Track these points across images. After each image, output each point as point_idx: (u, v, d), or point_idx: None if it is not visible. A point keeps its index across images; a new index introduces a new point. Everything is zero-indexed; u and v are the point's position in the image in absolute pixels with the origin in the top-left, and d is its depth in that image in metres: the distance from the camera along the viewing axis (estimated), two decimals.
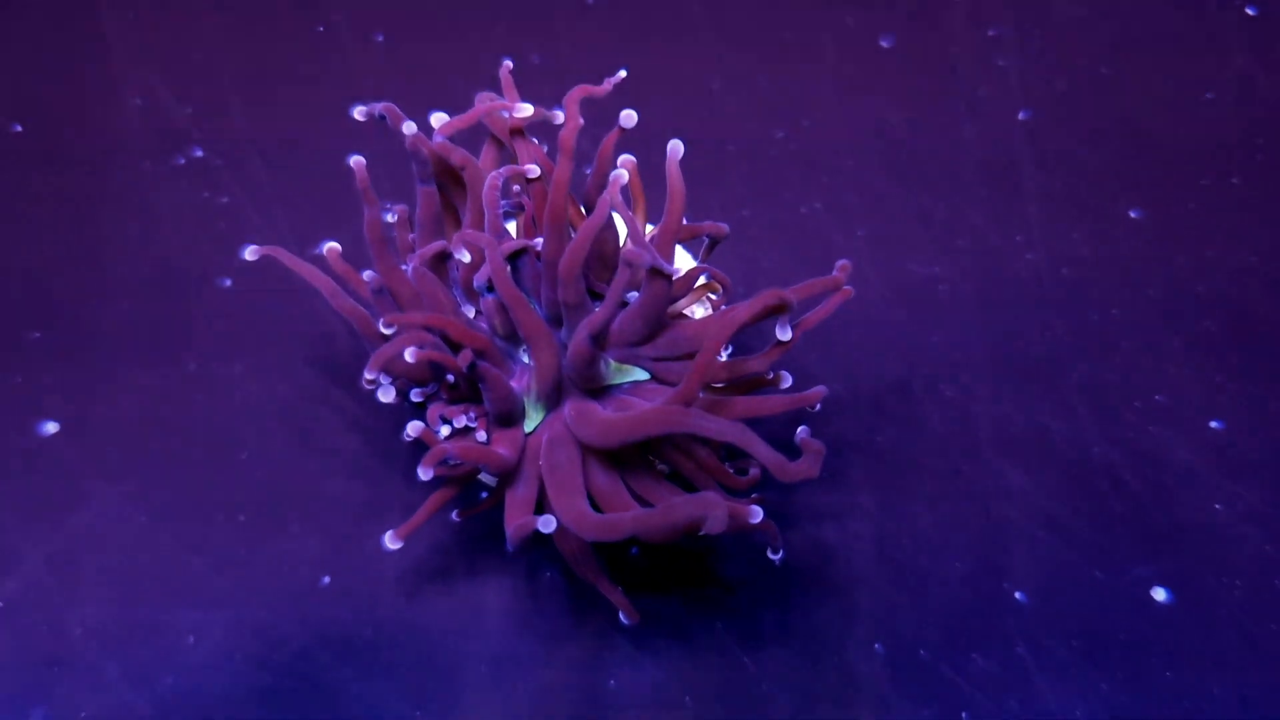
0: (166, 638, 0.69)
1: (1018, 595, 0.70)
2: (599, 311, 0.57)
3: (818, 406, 0.61)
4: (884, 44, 0.93)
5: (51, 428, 0.76)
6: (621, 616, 0.64)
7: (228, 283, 0.82)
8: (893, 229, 0.84)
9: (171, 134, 0.88)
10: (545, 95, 0.67)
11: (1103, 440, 0.76)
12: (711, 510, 0.54)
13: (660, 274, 0.58)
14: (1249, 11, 0.95)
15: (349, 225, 0.74)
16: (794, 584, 0.71)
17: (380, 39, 0.91)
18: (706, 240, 0.66)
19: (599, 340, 0.59)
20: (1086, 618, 0.70)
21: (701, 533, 0.55)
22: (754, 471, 0.63)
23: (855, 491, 0.74)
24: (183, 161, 0.87)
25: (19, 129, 0.88)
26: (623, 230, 0.66)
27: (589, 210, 0.65)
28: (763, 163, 0.87)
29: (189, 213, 0.85)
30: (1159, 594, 0.70)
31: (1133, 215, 0.85)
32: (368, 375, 0.57)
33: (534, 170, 0.62)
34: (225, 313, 0.81)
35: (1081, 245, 0.83)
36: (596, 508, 0.61)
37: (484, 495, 0.71)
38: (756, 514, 0.57)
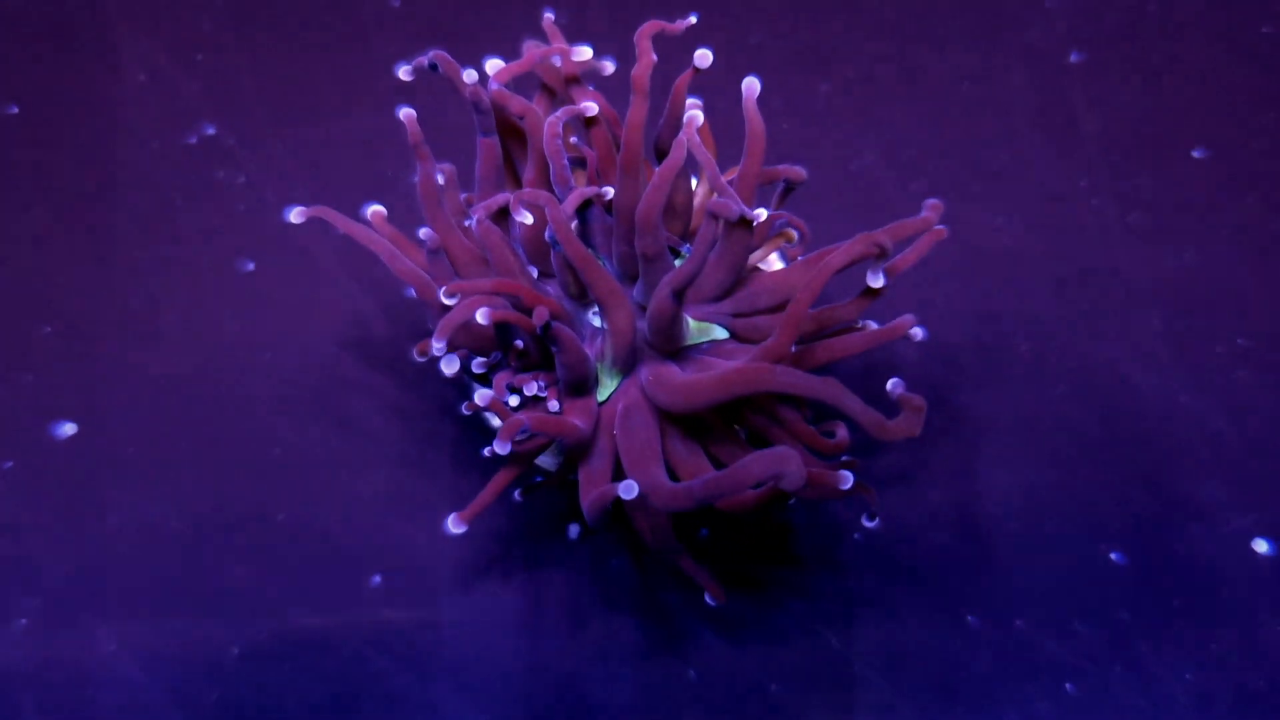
0: (208, 650, 0.65)
1: (1114, 556, 0.67)
2: (685, 265, 0.53)
3: (918, 334, 0.56)
4: None
5: (69, 429, 0.71)
6: (707, 597, 0.60)
7: (250, 266, 0.77)
8: (950, 180, 0.81)
9: (180, 111, 0.83)
10: None
11: (1188, 387, 0.73)
12: (786, 465, 0.49)
13: (744, 222, 0.54)
14: None
15: (380, 200, 0.69)
16: (873, 556, 0.68)
17: (396, 3, 0.86)
18: (782, 185, 0.62)
19: (681, 296, 0.54)
20: (1188, 575, 0.67)
21: (781, 490, 0.51)
22: (841, 433, 0.59)
23: (930, 453, 0.71)
24: (194, 140, 0.82)
25: (15, 110, 0.82)
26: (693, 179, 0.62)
27: (659, 156, 0.60)
28: (809, 116, 0.83)
29: (204, 194, 0.80)
30: (1261, 546, 0.68)
31: (1197, 155, 0.81)
32: (435, 345, 0.52)
33: (592, 108, 0.57)
34: (249, 298, 0.76)
35: (1147, 189, 0.80)
36: (676, 480, 0.57)
37: (538, 480, 0.67)
38: (846, 479, 0.54)
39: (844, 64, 0.85)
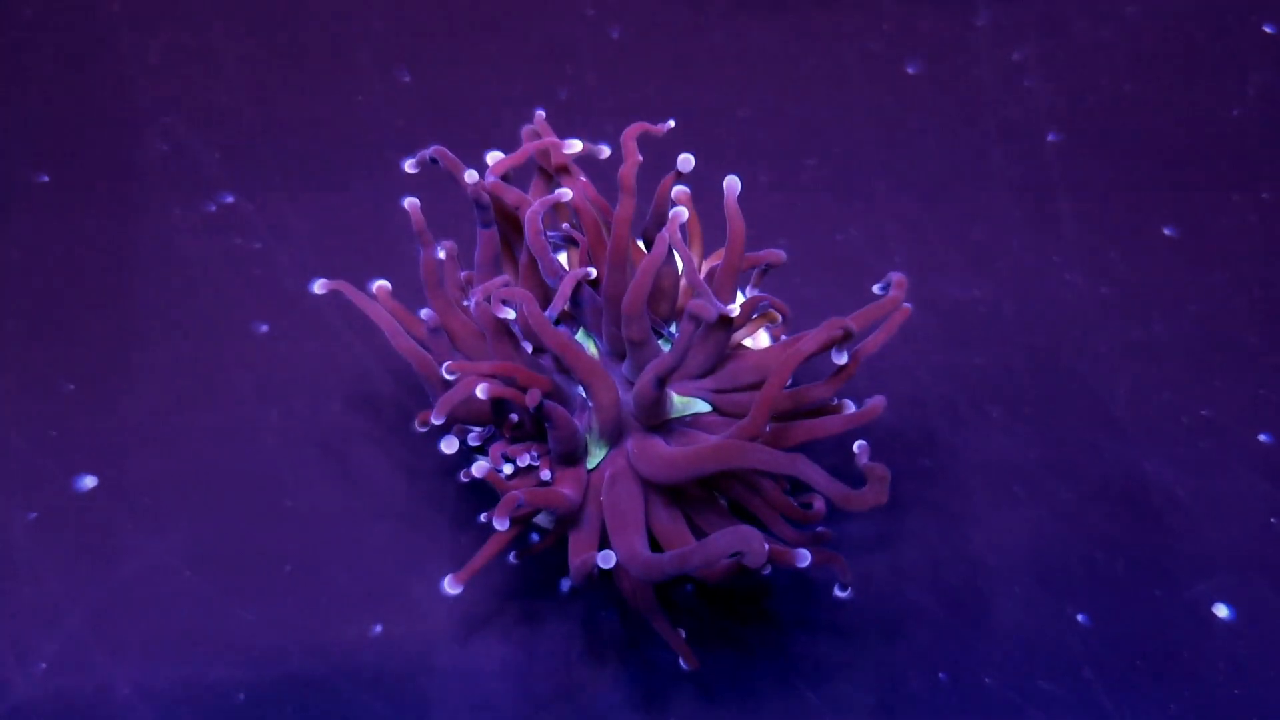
0: (216, 695, 0.67)
1: (1080, 617, 0.70)
2: (666, 357, 0.56)
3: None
4: (910, 70, 0.94)
5: (90, 482, 0.74)
6: (681, 662, 0.63)
7: (264, 328, 0.81)
8: (930, 253, 0.84)
9: (200, 180, 0.87)
10: (575, 130, 0.67)
11: (1153, 457, 0.75)
12: (748, 544, 0.52)
13: (722, 319, 0.58)
14: (1266, 29, 0.96)
15: (386, 267, 0.73)
16: (850, 616, 0.70)
17: (407, 79, 0.90)
18: (761, 267, 0.65)
19: (664, 383, 0.58)
20: (1150, 637, 0.69)
21: (744, 567, 0.54)
22: (818, 505, 0.62)
23: (905, 518, 0.73)
24: (213, 208, 0.85)
25: (45, 179, 0.86)
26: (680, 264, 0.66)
27: (647, 246, 0.64)
28: (796, 192, 0.87)
29: (222, 259, 0.83)
30: (1221, 610, 0.70)
31: (1167, 233, 0.85)
32: (435, 420, 0.56)
33: (566, 194, 0.61)
34: (262, 359, 0.80)
35: (1119, 264, 0.83)
36: (658, 546, 0.60)
37: (535, 538, 0.70)
38: (804, 558, 0.56)
39: (830, 140, 0.89)
